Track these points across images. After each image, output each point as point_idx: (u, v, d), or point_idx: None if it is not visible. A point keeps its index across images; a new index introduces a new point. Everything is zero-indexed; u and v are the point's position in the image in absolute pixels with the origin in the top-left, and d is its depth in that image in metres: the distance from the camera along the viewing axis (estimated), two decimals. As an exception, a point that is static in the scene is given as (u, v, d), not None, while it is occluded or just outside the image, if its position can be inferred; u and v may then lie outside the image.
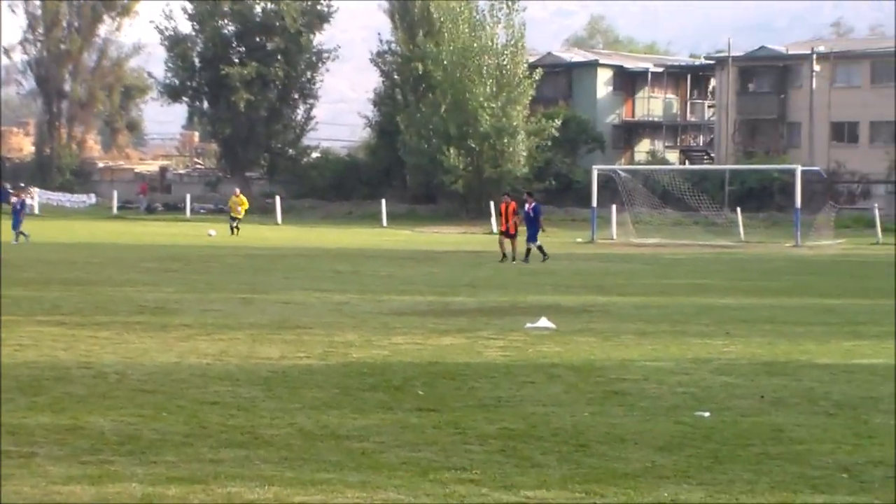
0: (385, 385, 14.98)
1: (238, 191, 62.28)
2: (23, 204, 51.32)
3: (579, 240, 57.65)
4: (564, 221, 72.32)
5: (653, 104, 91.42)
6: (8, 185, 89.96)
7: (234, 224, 57.62)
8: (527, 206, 41.87)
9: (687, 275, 37.53)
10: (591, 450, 11.35)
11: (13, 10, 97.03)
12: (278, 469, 10.44)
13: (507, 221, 40.87)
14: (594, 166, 65.05)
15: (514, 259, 40.12)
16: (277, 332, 20.32)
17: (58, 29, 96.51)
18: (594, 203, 60.46)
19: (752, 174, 74.92)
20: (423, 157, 79.41)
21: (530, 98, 78.76)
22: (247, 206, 60.16)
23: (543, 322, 21.50)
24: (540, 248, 41.07)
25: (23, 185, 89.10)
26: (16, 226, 48.51)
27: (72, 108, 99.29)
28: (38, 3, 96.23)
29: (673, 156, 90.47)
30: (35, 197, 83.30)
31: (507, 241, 40.70)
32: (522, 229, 41.43)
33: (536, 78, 78.34)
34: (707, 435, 12.05)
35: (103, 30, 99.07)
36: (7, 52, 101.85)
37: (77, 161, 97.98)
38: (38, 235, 50.43)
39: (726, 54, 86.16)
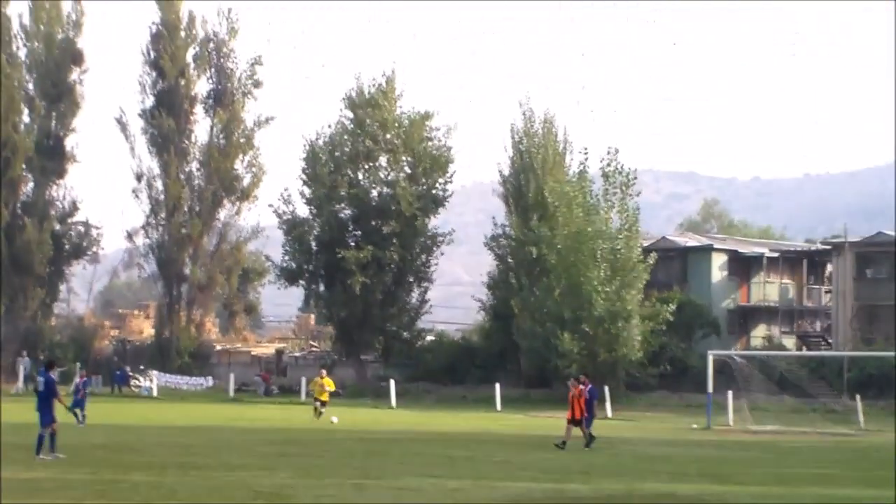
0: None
1: (324, 372, 59.29)
2: (84, 384, 50.42)
3: (695, 426, 56.99)
4: (679, 407, 71.81)
5: (768, 289, 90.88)
6: (128, 368, 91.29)
7: (321, 407, 54.72)
8: (581, 388, 41.61)
9: (806, 464, 36.89)
10: None
11: (137, 195, 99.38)
12: None
13: (572, 407, 40.44)
14: (709, 351, 64.37)
15: (587, 445, 39.77)
16: (391, 520, 20.25)
17: (179, 213, 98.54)
18: (710, 389, 59.81)
19: (871, 360, 73.62)
20: (537, 341, 79.27)
21: (645, 282, 78.54)
22: (333, 387, 57.07)
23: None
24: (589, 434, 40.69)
25: (143, 367, 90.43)
26: (76, 405, 47.38)
27: (191, 291, 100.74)
28: (160, 188, 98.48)
29: (790, 341, 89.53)
30: (154, 380, 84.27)
31: (572, 428, 40.36)
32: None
33: (651, 262, 78.23)
34: None
35: (223, 214, 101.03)
36: (130, 236, 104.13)
37: (195, 344, 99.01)
38: (157, 418, 50.81)
39: (843, 240, 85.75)
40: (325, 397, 55.12)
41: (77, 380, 50.94)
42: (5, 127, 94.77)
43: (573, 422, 40.30)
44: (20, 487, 24.28)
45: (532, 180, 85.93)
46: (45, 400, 31.81)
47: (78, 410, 47.48)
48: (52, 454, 31.19)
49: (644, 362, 77.49)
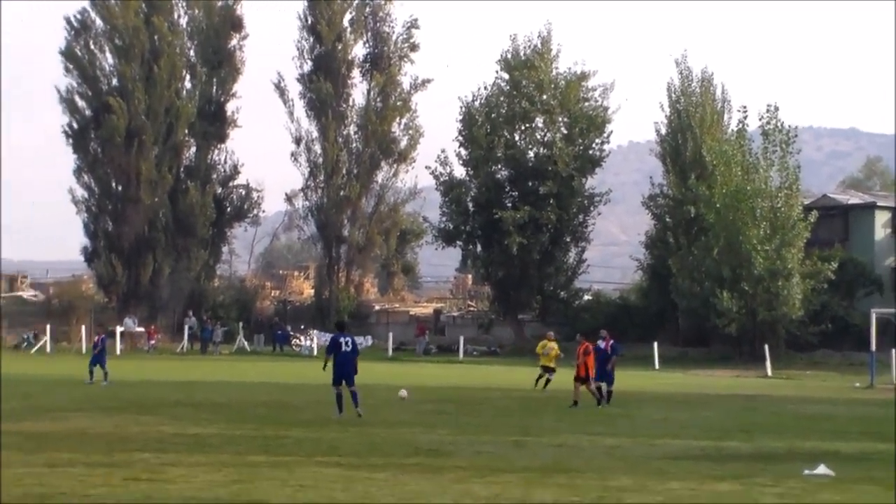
0: (660, 531, 14.85)
1: (552, 334, 52.30)
2: (103, 341, 48.97)
3: (857, 385, 56.24)
4: (842, 366, 70.80)
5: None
6: (288, 328, 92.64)
7: (548, 374, 48.38)
8: (603, 343, 40.77)
9: (972, 422, 36.17)
10: None
11: (296, 158, 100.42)
12: None
13: (579, 365, 39.14)
14: (873, 309, 63.40)
15: (599, 403, 38.69)
16: (550, 476, 20.34)
17: (337, 176, 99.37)
18: (873, 347, 58.96)
19: None
20: (695, 300, 78.81)
21: (805, 240, 77.53)
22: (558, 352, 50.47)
23: (822, 469, 21.04)
24: (598, 388, 39.62)
25: (303, 327, 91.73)
26: (94, 362, 47.26)
27: (350, 252, 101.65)
28: (319, 151, 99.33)
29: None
30: (314, 339, 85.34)
31: (580, 386, 39.03)
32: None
33: (812, 220, 77.20)
34: None
35: (381, 176, 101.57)
36: (290, 199, 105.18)
37: (354, 304, 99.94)
38: (317, 377, 51.34)
39: None
40: (552, 364, 49.42)
41: (96, 337, 50.53)
42: (168, 93, 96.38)
43: (579, 379, 39.06)
44: (186, 442, 24.89)
45: (690, 139, 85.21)
46: None
47: (98, 367, 47.01)
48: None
49: (805, 321, 76.62)
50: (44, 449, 23.09)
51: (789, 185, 77.42)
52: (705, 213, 78.72)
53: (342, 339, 33.47)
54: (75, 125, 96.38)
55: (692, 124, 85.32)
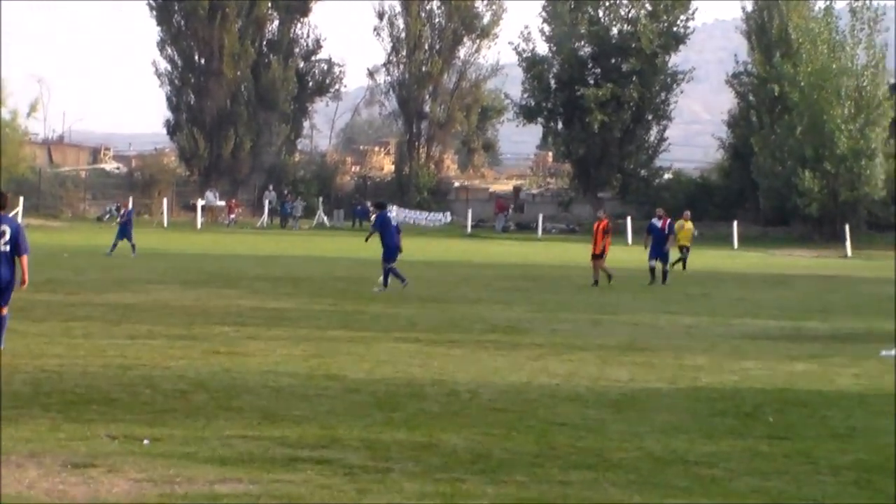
0: (735, 411, 14.87)
1: (688, 214, 48.48)
2: (129, 213, 48.94)
3: (940, 267, 55.67)
4: (923, 247, 70.14)
5: None
6: (368, 203, 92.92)
7: (684, 254, 45.62)
8: (660, 223, 40.03)
9: None
10: (948, 487, 10.99)
11: (378, 33, 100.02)
12: (626, 493, 10.50)
13: (595, 242, 37.89)
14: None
15: (609, 280, 37.00)
16: (626, 354, 20.39)
17: (420, 51, 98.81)
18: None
19: None
20: (777, 180, 78.26)
21: (890, 120, 76.57)
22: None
23: (899, 351, 20.93)
24: (652, 269, 39.05)
25: (383, 202, 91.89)
26: (120, 235, 46.38)
27: (431, 128, 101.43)
28: (401, 26, 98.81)
29: None
30: (394, 215, 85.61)
31: (595, 263, 37.79)
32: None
33: (897, 99, 76.29)
34: None
35: (463, 52, 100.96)
36: (372, 73, 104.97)
37: (434, 180, 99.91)
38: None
39: None
40: (687, 242, 46.63)
41: (122, 210, 50.52)
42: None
43: (594, 256, 37.97)
44: (265, 316, 25.14)
45: (776, 16, 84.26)
46: None
47: (124, 241, 46.18)
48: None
49: (887, 201, 75.99)
50: (126, 320, 23.42)
51: (875, 63, 76.54)
52: (789, 91, 77.92)
53: (390, 216, 34.12)
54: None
55: (779, 1, 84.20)
